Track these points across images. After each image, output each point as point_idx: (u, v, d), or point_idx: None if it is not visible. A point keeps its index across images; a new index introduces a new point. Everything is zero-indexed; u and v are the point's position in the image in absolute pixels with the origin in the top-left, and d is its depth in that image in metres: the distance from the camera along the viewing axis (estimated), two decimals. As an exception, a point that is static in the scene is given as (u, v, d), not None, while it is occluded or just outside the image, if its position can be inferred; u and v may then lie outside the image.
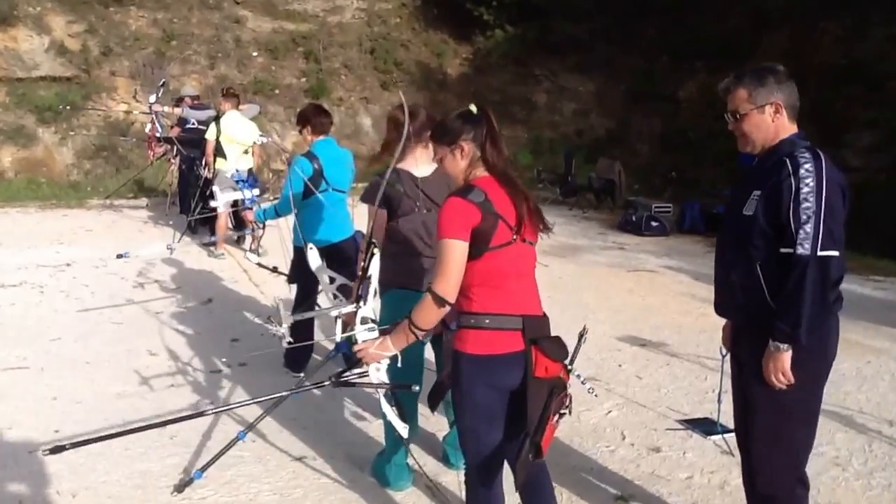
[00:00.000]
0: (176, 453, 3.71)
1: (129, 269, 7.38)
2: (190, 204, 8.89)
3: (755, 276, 2.48)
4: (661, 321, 6.22)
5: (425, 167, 3.34)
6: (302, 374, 4.62)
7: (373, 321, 2.85)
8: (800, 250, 2.34)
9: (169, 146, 10.02)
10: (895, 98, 10.66)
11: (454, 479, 3.45)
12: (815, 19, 12.37)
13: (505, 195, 2.44)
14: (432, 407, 3.22)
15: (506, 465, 2.58)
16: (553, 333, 2.51)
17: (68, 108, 13.21)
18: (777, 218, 2.40)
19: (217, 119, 8.36)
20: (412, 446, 3.54)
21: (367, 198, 3.32)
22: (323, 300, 4.66)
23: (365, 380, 2.89)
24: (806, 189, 2.35)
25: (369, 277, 2.87)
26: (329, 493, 3.40)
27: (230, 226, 8.68)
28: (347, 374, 2.99)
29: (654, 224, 10.54)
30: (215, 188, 6.05)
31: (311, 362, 4.83)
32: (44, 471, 3.51)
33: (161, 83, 10.71)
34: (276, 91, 15.02)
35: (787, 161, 2.41)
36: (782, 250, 2.39)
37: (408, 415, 3.42)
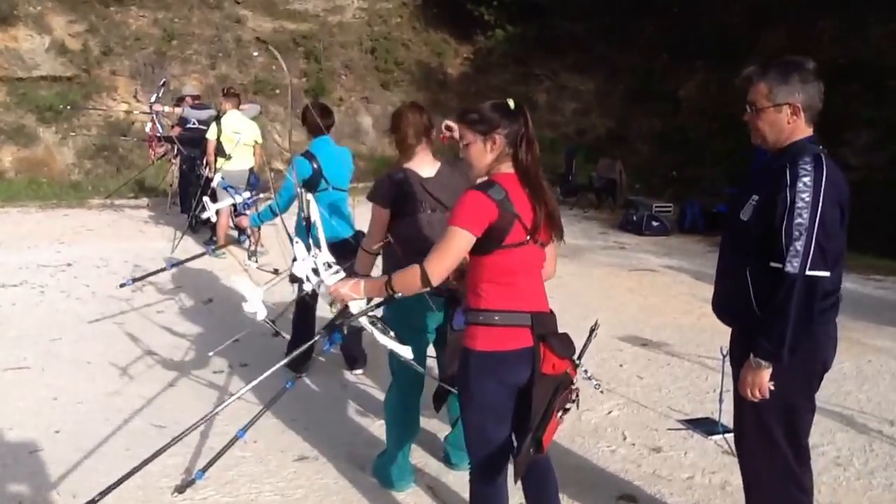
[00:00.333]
0: (177, 453, 3.69)
1: (130, 269, 7.38)
2: (191, 203, 8.88)
3: (745, 282, 2.45)
4: (662, 321, 6.22)
5: (429, 167, 3.35)
6: (303, 375, 4.62)
7: (335, 264, 2.87)
8: (788, 268, 2.29)
9: (170, 146, 10.02)
10: (894, 96, 10.65)
11: (455, 479, 3.45)
12: (813, 17, 12.36)
13: (525, 196, 2.42)
14: (437, 407, 3.23)
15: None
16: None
17: (69, 107, 13.22)
18: (770, 229, 2.35)
19: (218, 118, 8.36)
20: (413, 446, 3.54)
21: (373, 196, 3.33)
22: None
23: (352, 320, 2.85)
24: (801, 204, 2.28)
25: (314, 224, 2.93)
26: (330, 493, 3.40)
27: (231, 225, 8.67)
28: (336, 322, 2.94)
29: (654, 224, 10.54)
30: (206, 199, 6.05)
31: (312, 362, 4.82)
32: (44, 471, 3.51)
33: (162, 83, 10.71)
34: (277, 91, 15.01)
35: (788, 170, 2.34)
36: (772, 264, 2.34)
37: (410, 415, 3.43)
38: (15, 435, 3.90)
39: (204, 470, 3.30)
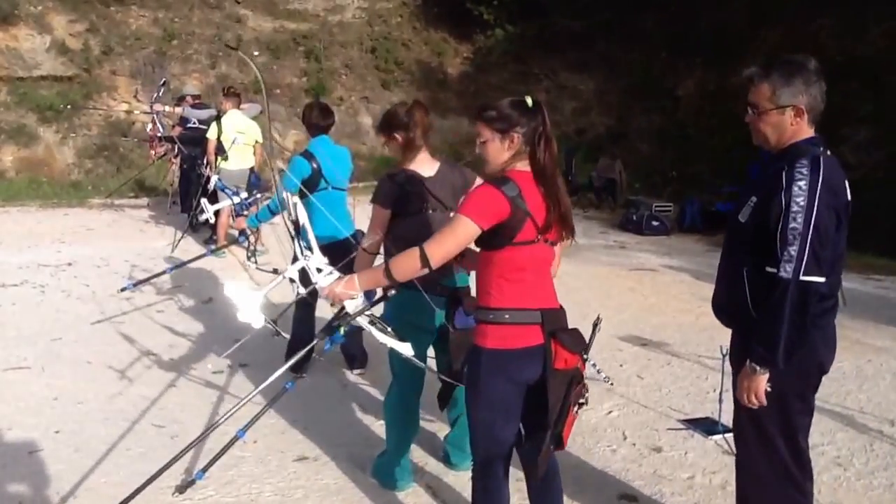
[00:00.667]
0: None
1: (130, 269, 7.38)
2: (191, 203, 8.89)
3: (742, 284, 2.44)
4: (662, 320, 6.22)
5: (429, 167, 3.36)
6: (304, 375, 4.61)
7: (328, 265, 2.83)
8: (782, 272, 2.26)
9: (170, 145, 10.02)
10: (892, 94, 10.63)
11: (455, 479, 3.45)
12: (812, 15, 12.34)
13: (538, 195, 2.40)
14: (442, 406, 3.24)
15: (514, 459, 2.58)
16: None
17: (69, 107, 13.24)
18: (765, 232, 2.33)
19: (218, 118, 8.36)
20: (413, 446, 3.54)
21: (375, 198, 3.33)
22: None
23: (350, 319, 2.83)
24: (795, 208, 2.25)
25: (303, 226, 2.89)
26: (330, 493, 3.40)
27: (231, 224, 8.67)
28: (334, 324, 2.93)
29: (654, 223, 10.54)
30: (204, 202, 6.04)
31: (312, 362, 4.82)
32: (44, 471, 3.51)
33: (162, 82, 10.71)
34: (277, 90, 15.01)
35: (784, 173, 2.32)
36: (767, 269, 2.32)
37: (410, 415, 3.43)
38: (15, 435, 3.90)
39: (204, 470, 3.29)
